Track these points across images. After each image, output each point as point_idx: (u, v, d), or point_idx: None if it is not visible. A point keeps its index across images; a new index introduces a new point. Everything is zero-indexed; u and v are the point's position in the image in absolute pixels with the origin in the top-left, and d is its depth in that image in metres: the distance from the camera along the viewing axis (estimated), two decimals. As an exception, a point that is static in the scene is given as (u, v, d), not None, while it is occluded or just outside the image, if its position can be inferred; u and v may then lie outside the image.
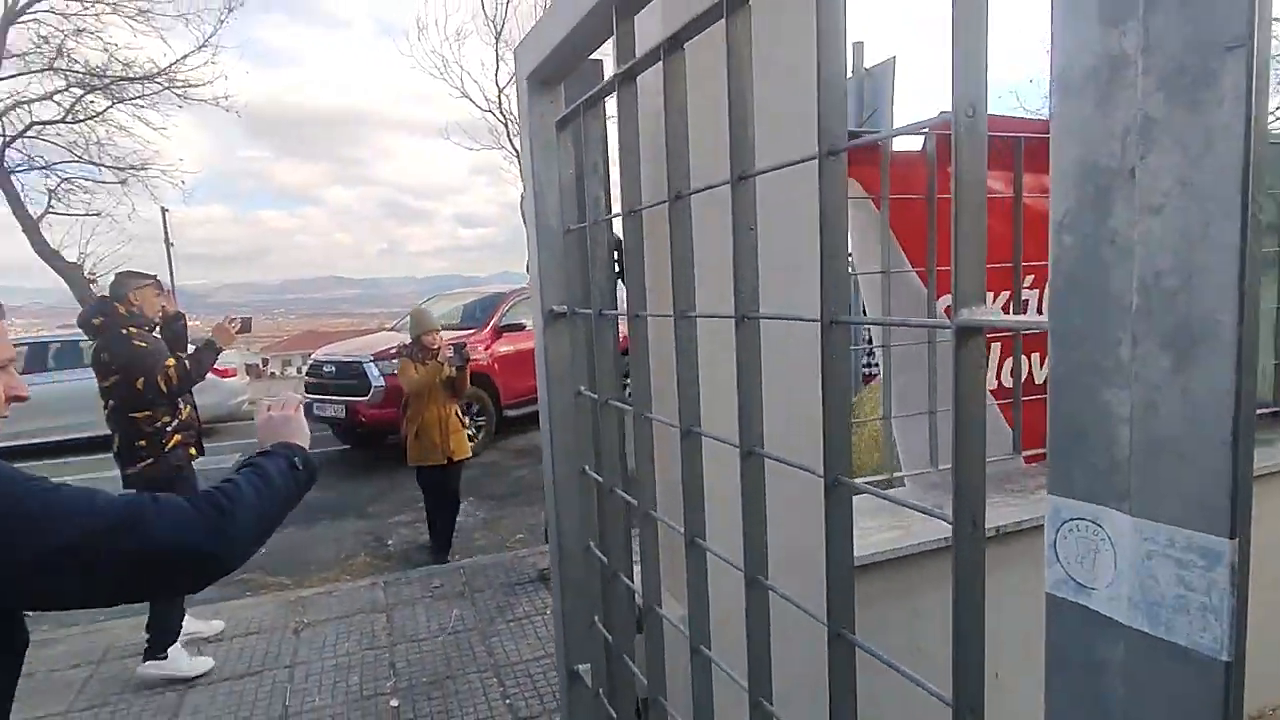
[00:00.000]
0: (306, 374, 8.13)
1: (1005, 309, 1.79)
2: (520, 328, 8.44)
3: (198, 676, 3.31)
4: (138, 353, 3.21)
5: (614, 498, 1.04)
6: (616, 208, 1.14)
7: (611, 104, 1.10)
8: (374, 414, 7.29)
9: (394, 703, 3.04)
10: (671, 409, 1.10)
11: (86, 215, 12.88)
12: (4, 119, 11.88)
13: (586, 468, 1.16)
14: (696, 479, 0.82)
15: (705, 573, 0.83)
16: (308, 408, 8.01)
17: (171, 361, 3.27)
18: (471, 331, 8.12)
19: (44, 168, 12.45)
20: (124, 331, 3.23)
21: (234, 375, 10.01)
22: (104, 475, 3.82)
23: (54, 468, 7.68)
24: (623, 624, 1.11)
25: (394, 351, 4.84)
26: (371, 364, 7.32)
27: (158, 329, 3.46)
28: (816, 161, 0.60)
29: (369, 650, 3.50)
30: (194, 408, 3.49)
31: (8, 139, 12.08)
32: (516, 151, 17.30)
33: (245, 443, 9.19)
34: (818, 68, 0.57)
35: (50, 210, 12.54)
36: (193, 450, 3.42)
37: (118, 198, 13.34)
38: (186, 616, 3.58)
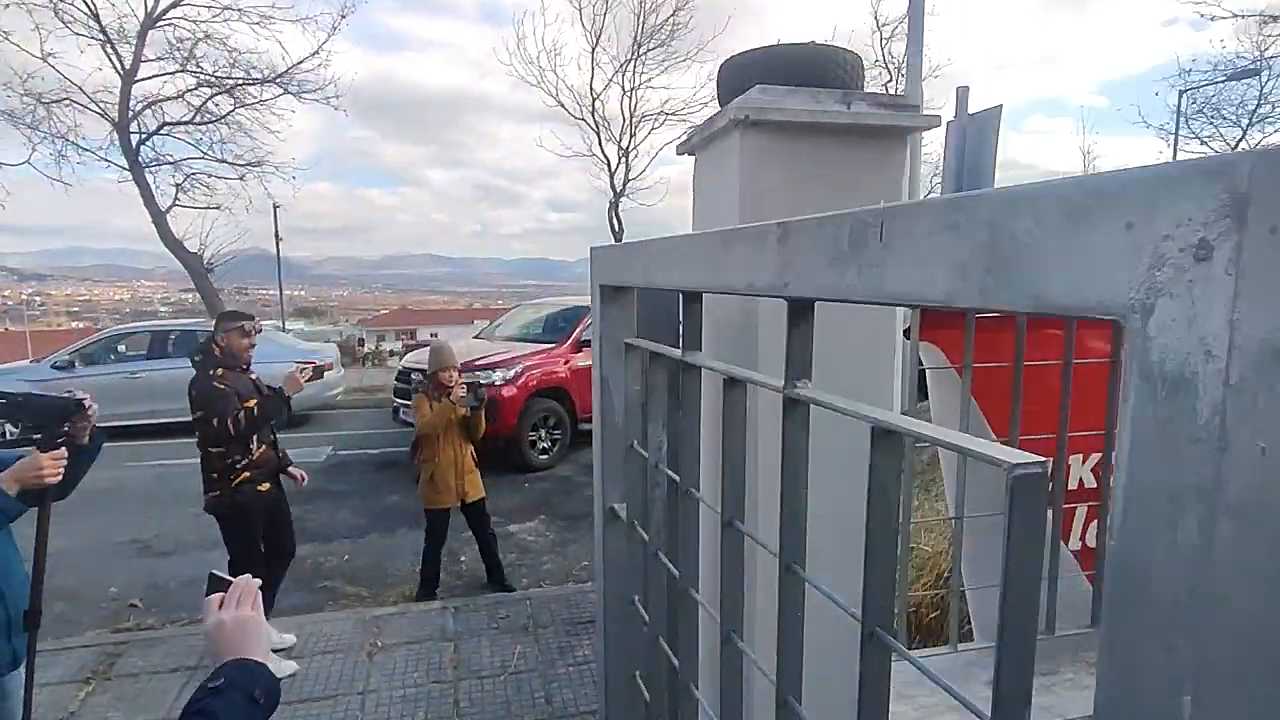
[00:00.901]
0: (395, 379, 8.50)
1: (1096, 471, 1.69)
2: (600, 343, 8.54)
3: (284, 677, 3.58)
4: (215, 394, 3.51)
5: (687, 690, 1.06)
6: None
7: None
8: (455, 422, 7.55)
9: (455, 746, 3.17)
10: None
11: (208, 208, 13.86)
12: (139, 119, 12.92)
13: (637, 674, 1.18)
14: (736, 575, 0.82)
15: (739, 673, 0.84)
16: (394, 411, 8.40)
17: (250, 403, 3.53)
18: (551, 346, 8.28)
19: (172, 164, 13.50)
20: (211, 373, 3.55)
21: (330, 369, 10.56)
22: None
23: (178, 447, 8.29)
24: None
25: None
26: (456, 375, 7.57)
27: (248, 367, 3.71)
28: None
29: (435, 684, 3.65)
30: (273, 447, 3.75)
31: (142, 137, 13.12)
32: (606, 158, 17.51)
33: (337, 433, 9.72)
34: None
35: (176, 203, 13.57)
36: (264, 486, 3.69)
37: (236, 191, 14.30)
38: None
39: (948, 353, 1.58)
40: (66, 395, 2.16)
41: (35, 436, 2.08)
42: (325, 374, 3.73)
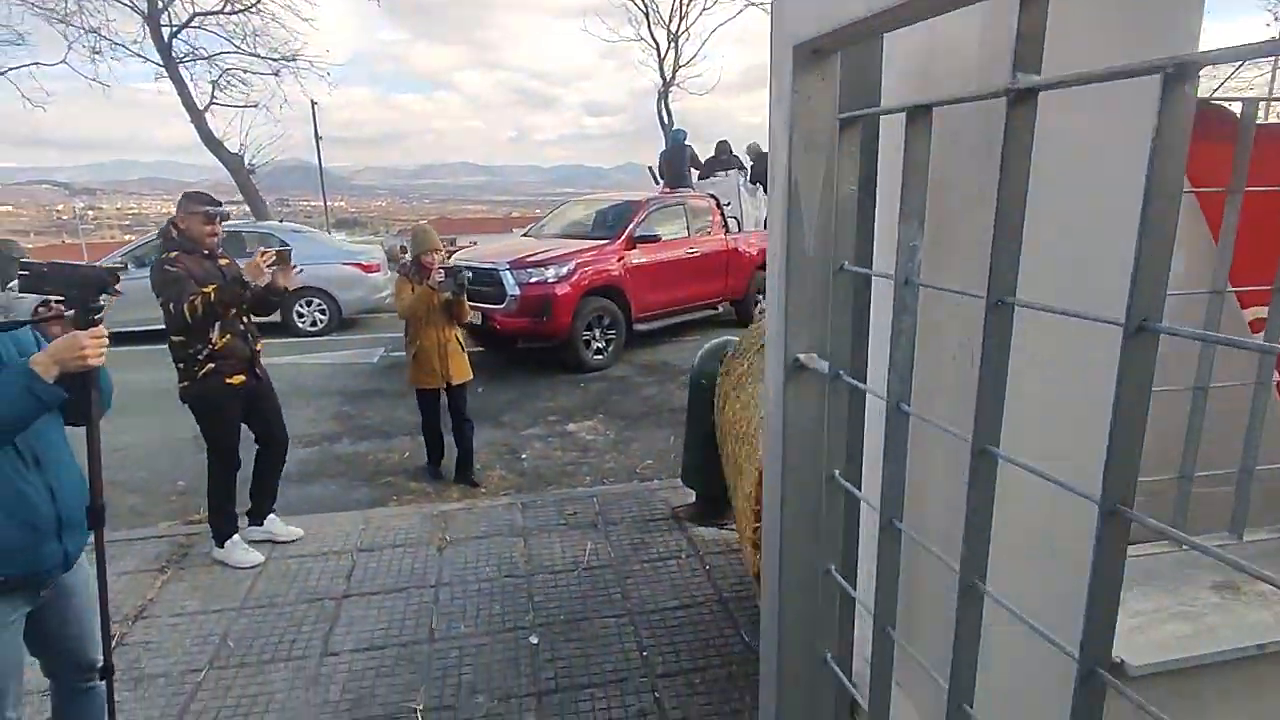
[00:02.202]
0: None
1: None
2: (655, 239, 8.16)
3: (250, 567, 3.65)
4: (167, 278, 3.30)
5: (884, 636, 0.79)
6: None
7: (954, 118, 0.77)
8: (509, 321, 7.34)
9: (534, 639, 3.07)
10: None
11: (245, 106, 13.49)
12: (170, 10, 12.41)
13: (833, 567, 0.91)
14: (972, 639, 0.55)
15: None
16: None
17: (207, 290, 3.27)
18: (604, 242, 7.92)
19: (206, 58, 13.05)
20: (165, 256, 3.34)
21: (377, 270, 10.40)
22: (270, 361, 3.99)
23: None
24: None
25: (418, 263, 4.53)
26: (508, 272, 7.31)
27: (215, 257, 3.45)
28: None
29: (508, 578, 3.55)
30: (242, 337, 3.51)
31: (174, 29, 12.66)
32: (655, 43, 16.37)
33: (388, 335, 9.65)
34: None
35: (214, 101, 13.23)
36: (236, 379, 3.49)
37: (272, 89, 13.86)
38: (271, 518, 3.93)
39: (1193, 176, 1.22)
40: (97, 265, 1.97)
41: (67, 313, 1.88)
42: (290, 258, 3.44)
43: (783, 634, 0.99)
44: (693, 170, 10.30)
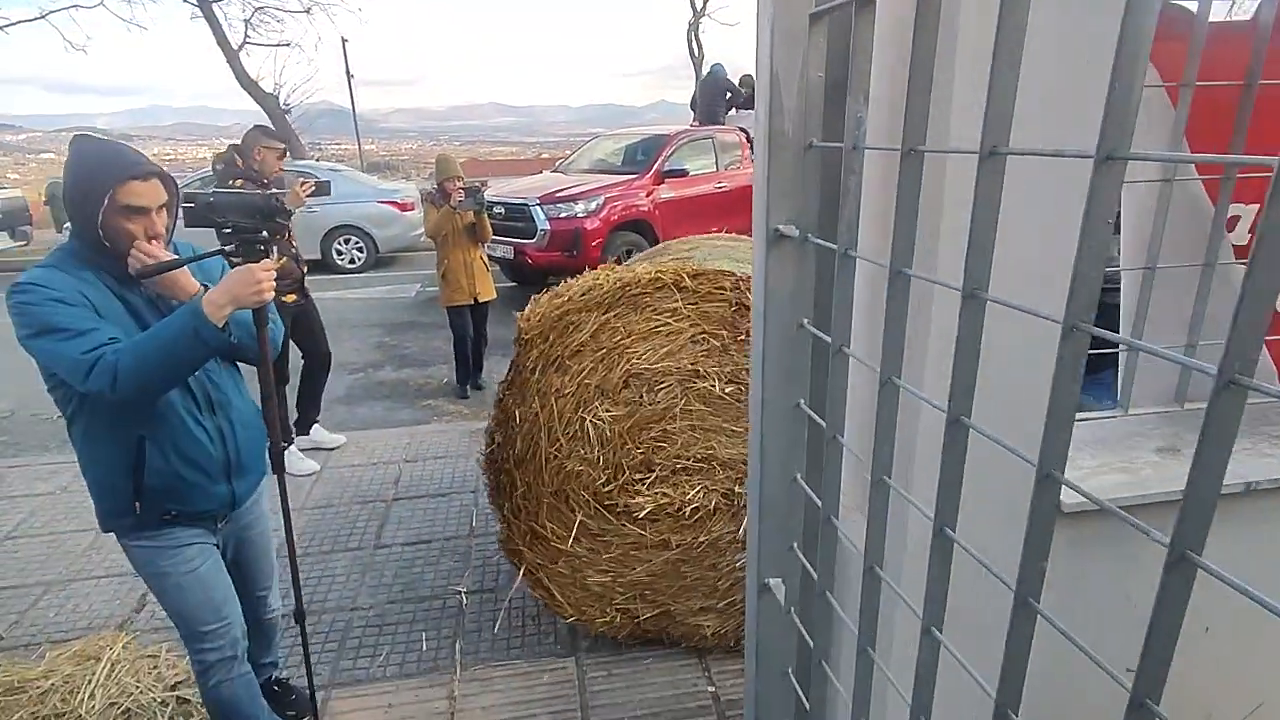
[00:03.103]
0: (478, 213, 8.44)
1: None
2: (684, 173, 8.20)
3: (307, 475, 4.00)
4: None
5: (834, 444, 0.99)
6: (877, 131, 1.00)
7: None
8: (540, 255, 7.54)
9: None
10: (921, 380, 1.01)
11: (278, 45, 13.59)
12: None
13: (802, 402, 1.11)
14: (957, 467, 0.74)
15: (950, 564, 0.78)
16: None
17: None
18: (632, 177, 8.00)
19: (239, -5, 13.13)
20: (231, 184, 3.58)
21: (412, 209, 10.60)
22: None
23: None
24: (825, 556, 1.10)
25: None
26: (538, 207, 7.46)
27: (291, 193, 3.66)
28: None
29: (541, 486, 3.84)
30: (295, 260, 3.85)
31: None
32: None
33: (424, 272, 9.91)
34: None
35: (247, 40, 13.35)
36: (290, 297, 3.85)
37: (305, 26, 13.89)
38: (316, 427, 4.33)
39: (1162, 71, 1.34)
40: (266, 192, 1.80)
41: (228, 249, 1.78)
42: (330, 190, 3.80)
43: (764, 461, 1.20)
44: (729, 102, 10.20)
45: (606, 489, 2.44)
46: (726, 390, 2.32)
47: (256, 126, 3.86)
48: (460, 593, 2.99)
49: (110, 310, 1.64)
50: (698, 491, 2.41)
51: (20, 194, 11.82)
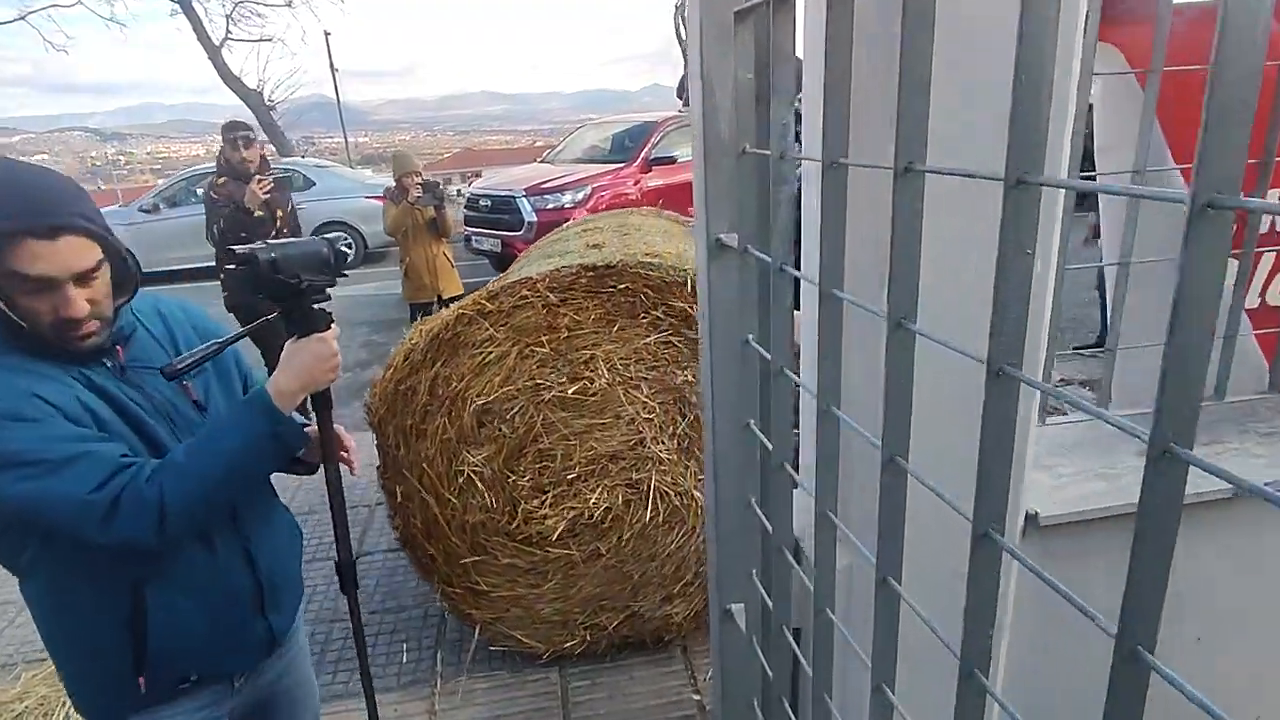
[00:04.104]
0: (465, 207, 8.36)
1: (1300, 210, 1.37)
2: (672, 160, 8.09)
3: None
4: (209, 203, 3.78)
5: (782, 471, 0.92)
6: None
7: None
8: (527, 247, 7.44)
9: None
10: (859, 412, 0.94)
11: (261, 40, 13.42)
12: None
13: (751, 423, 1.04)
14: (897, 513, 0.68)
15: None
16: (466, 239, 8.33)
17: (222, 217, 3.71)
18: (620, 166, 7.89)
19: (218, -9, 12.94)
20: (214, 181, 3.75)
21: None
22: None
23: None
24: (780, 577, 1.04)
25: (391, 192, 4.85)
26: (525, 199, 7.37)
27: (249, 191, 3.72)
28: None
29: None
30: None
31: (184, -38, 12.53)
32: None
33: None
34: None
35: (229, 36, 13.18)
36: None
37: (287, 20, 13.75)
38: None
39: (1130, 56, 1.25)
40: (320, 238, 1.37)
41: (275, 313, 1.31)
42: (291, 185, 3.85)
43: (718, 484, 1.13)
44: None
45: (513, 526, 2.40)
46: (573, 390, 2.28)
47: (224, 124, 3.91)
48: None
49: (88, 415, 1.14)
50: (599, 494, 2.36)
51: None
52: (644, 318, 2.26)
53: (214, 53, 12.75)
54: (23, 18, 14.45)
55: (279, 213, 3.82)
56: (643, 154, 7.96)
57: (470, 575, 2.47)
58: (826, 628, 0.87)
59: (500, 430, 2.32)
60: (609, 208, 7.58)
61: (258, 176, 3.69)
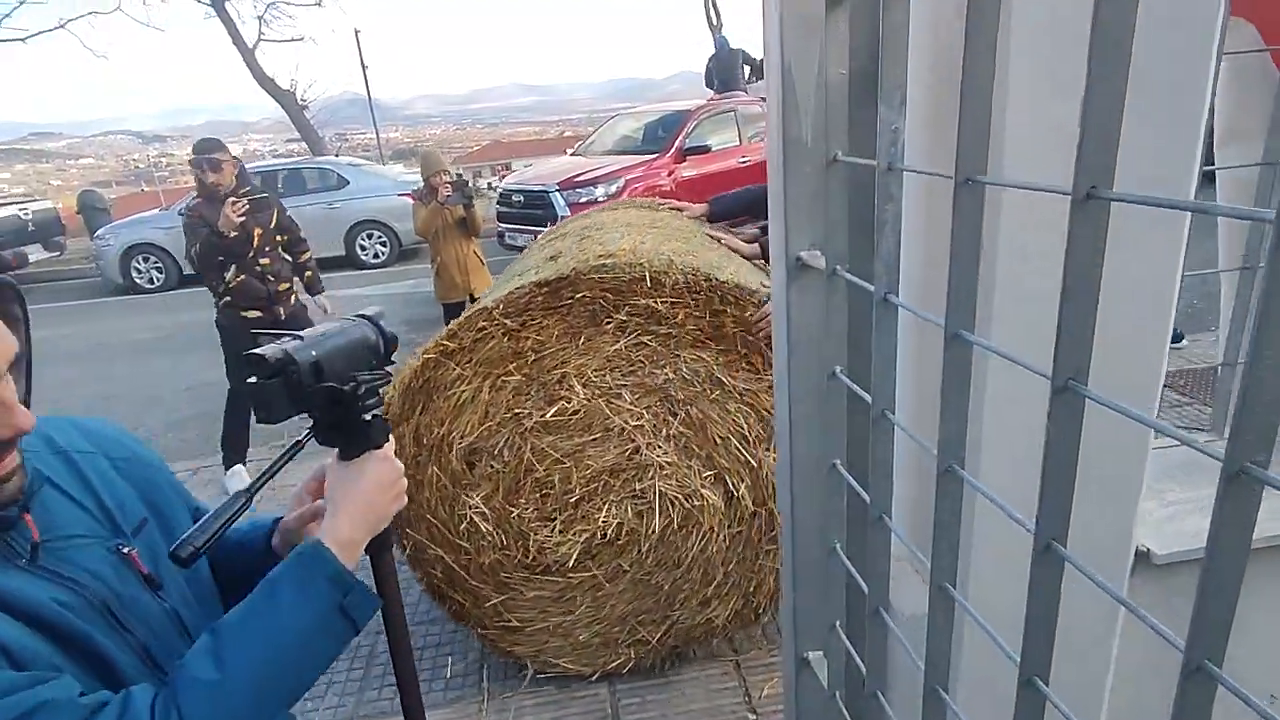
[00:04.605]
0: (497, 203, 8.30)
1: None
2: (705, 149, 7.93)
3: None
4: (185, 226, 3.71)
5: (881, 524, 0.81)
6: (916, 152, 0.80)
7: None
8: (561, 243, 7.37)
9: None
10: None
11: (292, 40, 13.51)
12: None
13: (838, 464, 0.92)
14: (1047, 603, 0.56)
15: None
16: (500, 236, 8.28)
17: (198, 241, 3.63)
18: (653, 156, 7.75)
19: (250, -8, 13.05)
20: (188, 204, 3.76)
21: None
22: (327, 295, 4.26)
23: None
24: (875, 639, 0.92)
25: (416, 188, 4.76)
26: (557, 193, 7.28)
27: (223, 215, 3.55)
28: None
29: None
30: (259, 278, 3.76)
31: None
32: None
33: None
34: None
35: (262, 38, 13.29)
36: (251, 313, 3.78)
37: (318, 19, 13.81)
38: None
39: (1266, 31, 1.10)
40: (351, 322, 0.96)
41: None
42: (272, 205, 3.85)
43: (796, 530, 1.02)
44: (748, 71, 9.84)
45: (529, 559, 2.32)
46: (553, 413, 2.18)
47: (201, 140, 3.79)
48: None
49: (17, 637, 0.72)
50: (607, 511, 2.25)
51: (52, 204, 12.01)
52: (608, 323, 2.14)
53: (248, 55, 12.87)
54: (62, 25, 14.77)
55: (256, 233, 3.71)
56: (676, 144, 7.80)
57: (501, 614, 2.41)
58: (937, 708, 0.76)
59: (492, 467, 2.25)
60: (644, 198, 7.46)
61: (231, 199, 3.54)
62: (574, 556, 2.28)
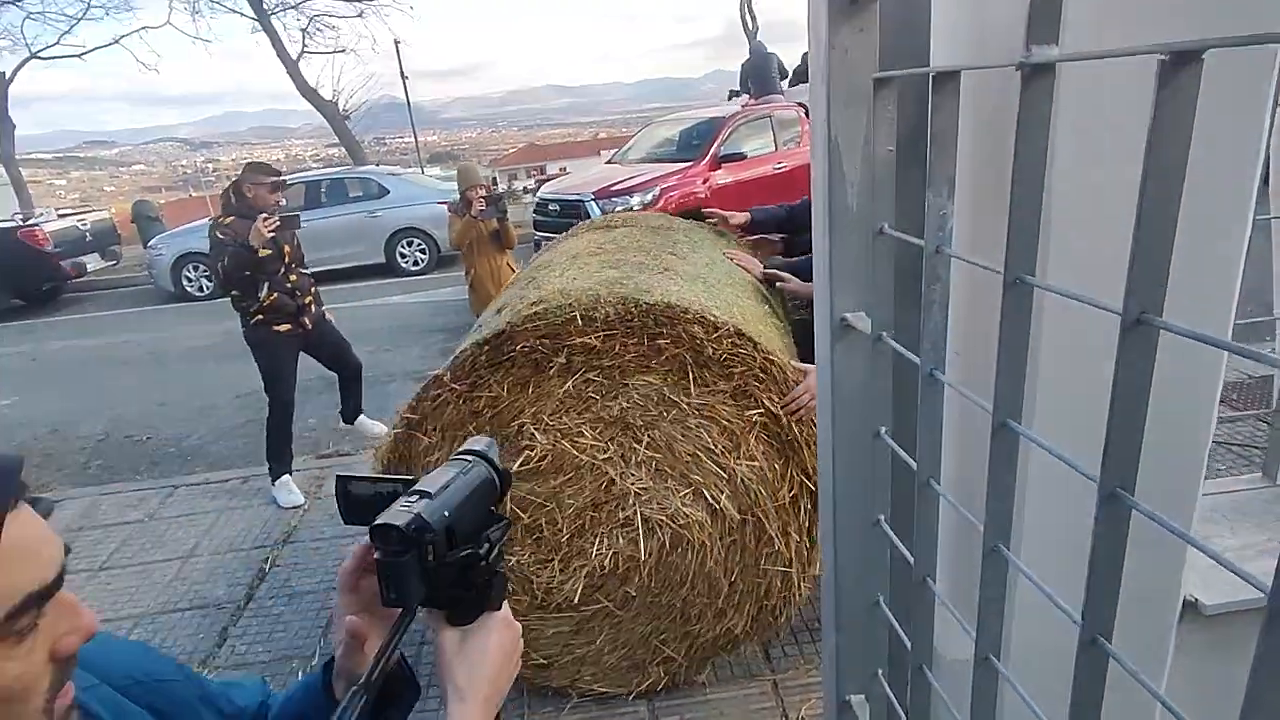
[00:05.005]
0: (534, 211, 8.40)
1: None
2: (741, 157, 7.92)
3: (288, 508, 4.06)
4: (215, 242, 3.72)
5: (924, 585, 0.83)
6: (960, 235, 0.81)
7: (986, 88, 0.73)
8: (597, 252, 7.42)
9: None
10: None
11: (334, 52, 13.86)
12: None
13: (882, 519, 0.94)
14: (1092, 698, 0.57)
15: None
16: (536, 245, 8.36)
17: (264, 252, 3.69)
18: (688, 164, 7.77)
19: (295, 5, 13.42)
20: (219, 220, 3.74)
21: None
22: (369, 302, 4.39)
23: (344, 292, 8.86)
24: (918, 694, 0.94)
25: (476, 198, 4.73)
26: (592, 203, 7.34)
27: (253, 229, 3.64)
28: None
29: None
30: (289, 294, 3.88)
31: (263, -21, 13.04)
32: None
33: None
34: None
35: (305, 49, 13.66)
36: (283, 327, 3.91)
37: (359, 31, 14.16)
38: (360, 419, 4.58)
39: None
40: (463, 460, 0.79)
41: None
42: (299, 224, 3.94)
43: (839, 580, 1.04)
44: (781, 80, 9.80)
45: (538, 601, 2.38)
46: (520, 464, 2.22)
47: (249, 164, 3.96)
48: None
49: None
50: (599, 543, 2.29)
51: (108, 215, 12.47)
52: (551, 367, 2.18)
53: (292, 67, 13.24)
54: (117, 41, 15.37)
55: (285, 249, 3.85)
56: (711, 151, 7.81)
57: (529, 655, 2.46)
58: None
59: None
60: (678, 208, 7.47)
61: (263, 215, 3.62)
62: (579, 591, 2.33)
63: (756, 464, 2.20)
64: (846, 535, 0.99)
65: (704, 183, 7.63)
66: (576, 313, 2.11)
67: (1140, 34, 0.61)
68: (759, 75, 9.80)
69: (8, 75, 14.95)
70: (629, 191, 7.35)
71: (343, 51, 14.04)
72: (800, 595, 2.32)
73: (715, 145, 7.82)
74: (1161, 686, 1.02)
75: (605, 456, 2.23)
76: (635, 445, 2.22)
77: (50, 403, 6.58)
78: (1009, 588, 0.75)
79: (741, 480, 2.20)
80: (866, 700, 1.13)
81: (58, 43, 15.21)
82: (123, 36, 15.37)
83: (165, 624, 3.19)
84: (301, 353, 4.12)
